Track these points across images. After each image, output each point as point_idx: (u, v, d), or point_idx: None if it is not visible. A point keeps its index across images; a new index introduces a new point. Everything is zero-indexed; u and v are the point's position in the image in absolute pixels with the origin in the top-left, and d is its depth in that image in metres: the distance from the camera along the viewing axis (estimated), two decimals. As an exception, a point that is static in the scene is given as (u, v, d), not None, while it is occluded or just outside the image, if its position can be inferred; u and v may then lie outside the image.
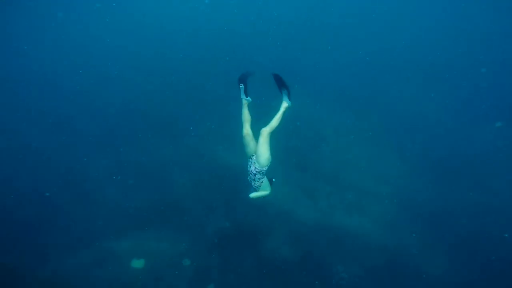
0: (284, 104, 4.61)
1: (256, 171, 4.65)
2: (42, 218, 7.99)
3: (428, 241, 8.59)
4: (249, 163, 4.77)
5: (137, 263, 6.98)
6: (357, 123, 12.31)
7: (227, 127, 10.15)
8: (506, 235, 8.67)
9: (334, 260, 7.89)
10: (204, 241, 7.78)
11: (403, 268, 7.89)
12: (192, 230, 8.02)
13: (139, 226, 8.02)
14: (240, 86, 4.58)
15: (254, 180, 4.74)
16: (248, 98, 4.58)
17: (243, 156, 4.78)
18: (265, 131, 4.44)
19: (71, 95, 11.99)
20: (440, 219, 9.18)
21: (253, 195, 4.89)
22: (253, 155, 4.68)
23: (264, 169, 4.65)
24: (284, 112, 4.63)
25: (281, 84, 4.60)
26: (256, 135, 4.58)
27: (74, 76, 12.88)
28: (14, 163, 9.31)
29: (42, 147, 9.82)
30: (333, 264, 7.80)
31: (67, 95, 12.01)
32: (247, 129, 4.60)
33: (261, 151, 4.49)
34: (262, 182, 4.82)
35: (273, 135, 4.46)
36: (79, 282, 6.69)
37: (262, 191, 4.89)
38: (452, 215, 9.27)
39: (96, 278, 6.73)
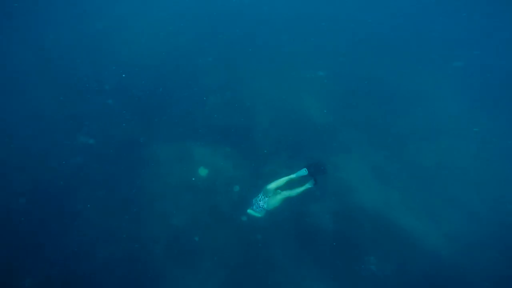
0: (308, 186, 6.23)
1: (261, 206, 6.18)
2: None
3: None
4: (260, 196, 6.26)
5: (203, 171, 8.21)
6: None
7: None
8: None
9: (371, 250, 7.69)
10: (262, 179, 8.36)
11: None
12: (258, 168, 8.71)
13: (218, 141, 9.09)
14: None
15: (254, 206, 6.27)
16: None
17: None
18: (285, 195, 6.18)
19: None
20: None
21: (250, 211, 6.31)
22: (267, 197, 6.20)
23: (266, 208, 6.21)
24: (305, 191, 6.18)
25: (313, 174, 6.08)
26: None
27: None
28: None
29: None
30: (367, 252, 7.64)
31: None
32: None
33: (274, 204, 6.20)
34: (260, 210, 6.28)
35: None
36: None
37: (257, 213, 6.29)
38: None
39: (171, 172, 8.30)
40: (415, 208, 8.62)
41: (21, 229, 6.65)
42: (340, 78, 12.13)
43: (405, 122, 10.74)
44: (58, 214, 6.98)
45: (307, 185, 6.14)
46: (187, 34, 12.91)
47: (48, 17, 12.01)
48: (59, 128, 8.64)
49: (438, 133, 10.53)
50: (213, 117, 9.76)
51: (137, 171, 8.02)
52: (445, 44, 14.47)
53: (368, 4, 16.45)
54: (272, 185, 6.13)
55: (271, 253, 7.02)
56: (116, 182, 7.70)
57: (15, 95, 9.29)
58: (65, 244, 6.56)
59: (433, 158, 9.79)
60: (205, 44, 12.58)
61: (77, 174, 7.75)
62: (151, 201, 7.52)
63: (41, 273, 6.05)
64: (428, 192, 9.03)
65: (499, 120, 11.00)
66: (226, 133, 9.32)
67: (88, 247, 6.59)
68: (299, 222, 7.71)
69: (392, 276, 7.33)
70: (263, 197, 6.17)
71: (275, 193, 6.17)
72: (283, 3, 15.43)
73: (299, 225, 7.67)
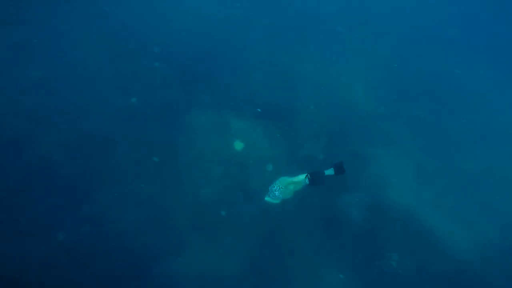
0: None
1: (277, 195, 6.78)
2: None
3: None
4: (276, 185, 6.83)
5: (238, 145, 8.51)
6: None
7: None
8: None
9: (395, 246, 7.78)
10: (296, 163, 8.52)
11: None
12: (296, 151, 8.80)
13: (258, 118, 9.24)
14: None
15: (271, 194, 6.83)
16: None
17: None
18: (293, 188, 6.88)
19: None
20: None
21: (267, 199, 6.86)
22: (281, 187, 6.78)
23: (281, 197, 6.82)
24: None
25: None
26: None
27: None
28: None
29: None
30: (390, 248, 7.76)
31: None
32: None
33: (288, 196, 6.89)
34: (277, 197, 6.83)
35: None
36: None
37: (274, 201, 6.82)
38: None
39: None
40: (449, 211, 8.44)
41: (59, 183, 7.17)
42: (397, 71, 11.49)
43: (461, 123, 10.12)
44: (93, 169, 7.50)
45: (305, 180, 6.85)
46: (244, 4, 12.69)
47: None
48: (104, 84, 9.07)
49: (493, 139, 9.84)
50: (256, 92, 9.81)
51: (173, 136, 8.35)
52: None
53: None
54: (285, 180, 6.87)
55: (293, 237, 7.32)
56: (151, 145, 8.08)
57: (67, 49, 9.74)
58: (98, 201, 7.08)
59: (480, 164, 9.29)
60: (259, 18, 12.31)
61: (116, 131, 8.17)
62: (183, 168, 7.88)
63: (74, 228, 6.63)
64: (466, 197, 8.73)
65: None
66: (267, 111, 9.38)
67: (117, 207, 7.06)
68: (326, 210, 7.89)
69: (412, 275, 7.45)
70: (278, 187, 6.75)
71: (286, 187, 6.82)
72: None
73: (326, 213, 7.86)
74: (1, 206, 6.62)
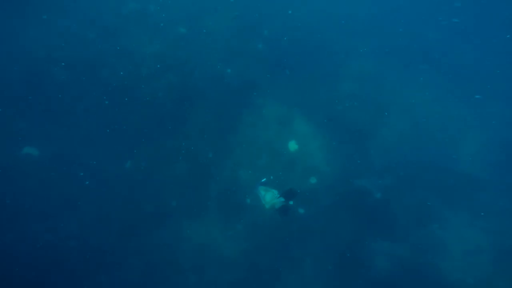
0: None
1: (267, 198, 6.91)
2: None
3: None
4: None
5: (293, 146, 8.55)
6: None
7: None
8: None
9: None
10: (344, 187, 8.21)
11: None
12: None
13: (327, 129, 9.07)
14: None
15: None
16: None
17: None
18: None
19: None
20: None
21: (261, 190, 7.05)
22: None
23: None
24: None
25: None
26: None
27: None
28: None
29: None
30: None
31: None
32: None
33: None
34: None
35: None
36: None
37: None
38: None
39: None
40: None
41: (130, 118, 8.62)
42: None
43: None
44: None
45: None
46: None
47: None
48: (213, 54, 10.08)
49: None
50: (343, 107, 9.41)
51: (241, 115, 8.94)
52: None
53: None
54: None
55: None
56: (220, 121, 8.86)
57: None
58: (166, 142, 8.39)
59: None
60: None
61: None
62: (236, 149, 8.45)
63: (140, 157, 8.16)
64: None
65: None
66: (339, 127, 9.01)
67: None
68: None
69: None
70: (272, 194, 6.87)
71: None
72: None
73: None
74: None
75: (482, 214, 8.12)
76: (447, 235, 7.97)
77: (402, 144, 9.15)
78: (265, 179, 7.10)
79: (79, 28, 9.72)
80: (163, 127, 8.56)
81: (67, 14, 9.91)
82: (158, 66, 9.31)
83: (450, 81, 10.33)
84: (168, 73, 9.30)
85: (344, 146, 8.73)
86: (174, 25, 10.16)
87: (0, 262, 7.01)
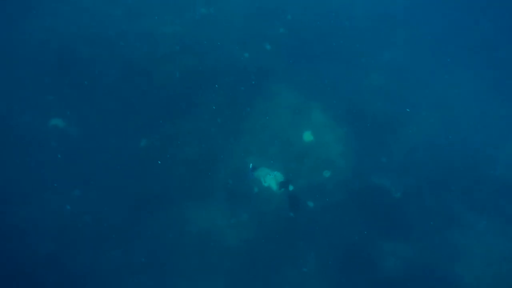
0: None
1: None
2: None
3: None
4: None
5: (308, 137, 8.19)
6: None
7: None
8: None
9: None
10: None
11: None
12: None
13: (344, 122, 8.57)
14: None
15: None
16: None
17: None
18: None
19: None
20: None
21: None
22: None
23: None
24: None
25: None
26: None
27: None
28: None
29: None
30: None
31: None
32: None
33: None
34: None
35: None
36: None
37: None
38: None
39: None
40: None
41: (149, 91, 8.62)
42: None
43: None
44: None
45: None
46: None
47: None
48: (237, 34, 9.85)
49: None
50: (365, 98, 8.82)
51: (256, 101, 8.67)
52: None
53: None
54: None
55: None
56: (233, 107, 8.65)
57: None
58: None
59: None
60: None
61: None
62: (247, 136, 8.22)
63: (154, 137, 8.09)
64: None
65: None
66: (358, 119, 8.50)
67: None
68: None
69: None
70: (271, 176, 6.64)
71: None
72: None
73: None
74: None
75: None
76: (471, 242, 7.37)
77: (429, 142, 8.51)
78: (251, 164, 6.85)
79: (105, 6, 9.89)
80: (178, 108, 8.51)
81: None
82: (177, 47, 9.20)
83: (491, 79, 9.37)
84: (186, 54, 9.14)
85: (364, 141, 8.22)
86: (195, 5, 10.00)
87: (19, 233, 7.22)
